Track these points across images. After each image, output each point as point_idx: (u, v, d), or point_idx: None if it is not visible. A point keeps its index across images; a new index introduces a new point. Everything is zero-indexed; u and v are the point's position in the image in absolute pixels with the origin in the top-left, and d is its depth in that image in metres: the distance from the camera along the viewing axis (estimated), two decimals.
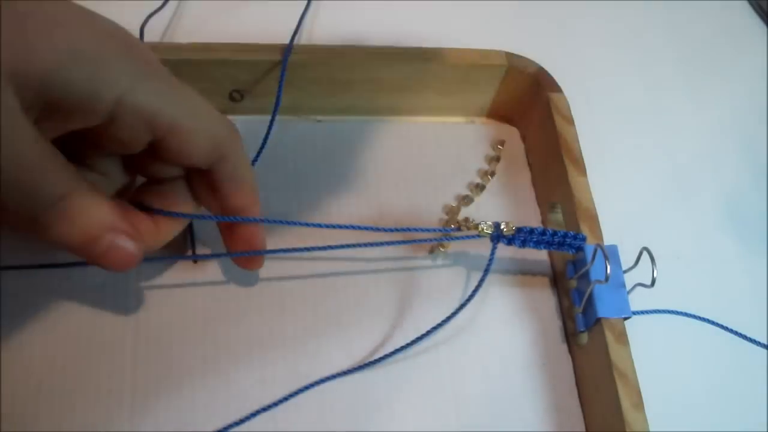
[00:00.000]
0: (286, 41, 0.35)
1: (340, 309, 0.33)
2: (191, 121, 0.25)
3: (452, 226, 0.32)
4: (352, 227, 0.32)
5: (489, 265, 0.31)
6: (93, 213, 0.24)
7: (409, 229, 0.32)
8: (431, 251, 0.35)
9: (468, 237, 0.32)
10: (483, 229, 0.31)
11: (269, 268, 0.33)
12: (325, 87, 0.37)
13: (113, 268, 0.25)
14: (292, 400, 0.30)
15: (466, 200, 0.37)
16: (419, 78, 0.37)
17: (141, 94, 0.23)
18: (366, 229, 0.32)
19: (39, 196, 0.22)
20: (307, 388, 0.31)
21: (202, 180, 0.29)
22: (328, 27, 0.43)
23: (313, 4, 0.43)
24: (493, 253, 0.32)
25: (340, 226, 0.31)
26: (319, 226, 0.32)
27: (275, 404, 0.30)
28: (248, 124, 0.32)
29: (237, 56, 0.34)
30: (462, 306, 0.31)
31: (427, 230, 0.32)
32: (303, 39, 0.35)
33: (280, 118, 0.38)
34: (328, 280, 0.34)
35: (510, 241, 0.32)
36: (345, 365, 0.32)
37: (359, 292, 0.34)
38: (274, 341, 0.32)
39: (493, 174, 0.38)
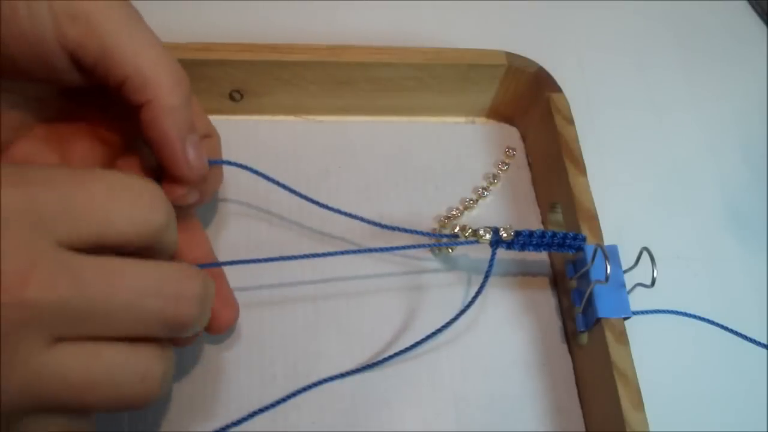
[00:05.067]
0: (286, 41, 0.35)
1: (341, 309, 0.33)
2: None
3: (451, 232, 0.32)
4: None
5: (489, 271, 0.31)
6: None
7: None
8: (436, 251, 0.35)
9: (467, 242, 0.32)
10: (482, 236, 0.31)
11: (269, 268, 0.33)
12: (325, 87, 0.37)
13: None
14: (292, 400, 0.30)
15: (468, 203, 0.37)
16: (419, 78, 0.37)
17: None
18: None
19: None
20: (307, 388, 0.31)
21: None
22: (328, 27, 0.43)
23: (314, 3, 0.43)
24: (492, 259, 0.32)
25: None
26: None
27: (275, 404, 0.30)
28: (248, 124, 0.32)
29: (237, 56, 0.34)
30: (462, 311, 0.31)
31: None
32: (303, 39, 0.35)
33: (280, 118, 0.38)
34: (328, 280, 0.34)
35: (509, 245, 0.32)
36: (345, 366, 0.32)
37: (360, 293, 0.34)
38: (274, 341, 0.32)
39: (496, 178, 0.38)
